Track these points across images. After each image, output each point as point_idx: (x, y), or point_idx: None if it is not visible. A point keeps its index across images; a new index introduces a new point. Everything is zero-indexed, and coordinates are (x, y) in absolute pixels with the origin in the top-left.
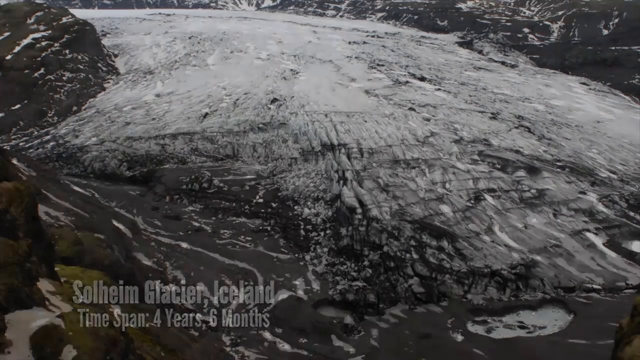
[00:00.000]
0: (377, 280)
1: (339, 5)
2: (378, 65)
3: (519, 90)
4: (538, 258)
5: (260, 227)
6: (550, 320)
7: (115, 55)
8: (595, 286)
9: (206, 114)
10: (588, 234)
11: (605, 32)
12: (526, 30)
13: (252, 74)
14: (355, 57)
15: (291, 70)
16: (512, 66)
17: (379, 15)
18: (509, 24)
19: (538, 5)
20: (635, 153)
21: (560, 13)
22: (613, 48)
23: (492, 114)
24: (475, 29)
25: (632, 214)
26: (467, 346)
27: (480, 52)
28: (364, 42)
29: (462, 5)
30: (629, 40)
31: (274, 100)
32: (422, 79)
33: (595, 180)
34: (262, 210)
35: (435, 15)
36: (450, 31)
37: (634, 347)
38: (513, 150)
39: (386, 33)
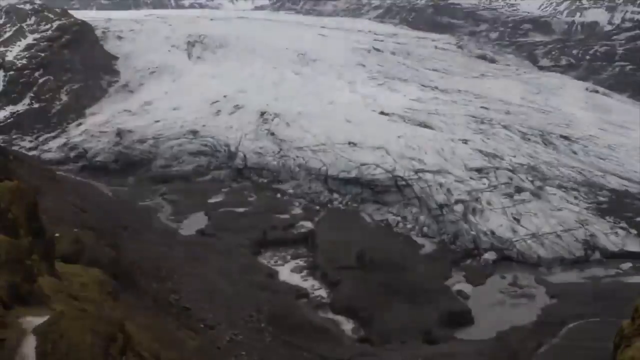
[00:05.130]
0: None
1: (335, 3)
2: (378, 71)
3: (524, 99)
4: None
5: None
6: None
7: (115, 58)
8: None
9: (201, 126)
10: None
11: (609, 27)
12: (527, 26)
13: (249, 81)
14: (356, 63)
15: (289, 77)
16: (514, 70)
17: (376, 12)
18: (509, 20)
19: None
20: None
21: (562, 7)
22: (616, 42)
23: (494, 124)
24: (475, 26)
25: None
26: None
27: (481, 56)
28: (365, 46)
29: (461, 1)
30: (632, 36)
31: (267, 115)
32: (423, 86)
33: (600, 197)
34: None
35: (434, 12)
36: (449, 29)
37: (635, 349)
38: (515, 163)
39: (386, 35)
